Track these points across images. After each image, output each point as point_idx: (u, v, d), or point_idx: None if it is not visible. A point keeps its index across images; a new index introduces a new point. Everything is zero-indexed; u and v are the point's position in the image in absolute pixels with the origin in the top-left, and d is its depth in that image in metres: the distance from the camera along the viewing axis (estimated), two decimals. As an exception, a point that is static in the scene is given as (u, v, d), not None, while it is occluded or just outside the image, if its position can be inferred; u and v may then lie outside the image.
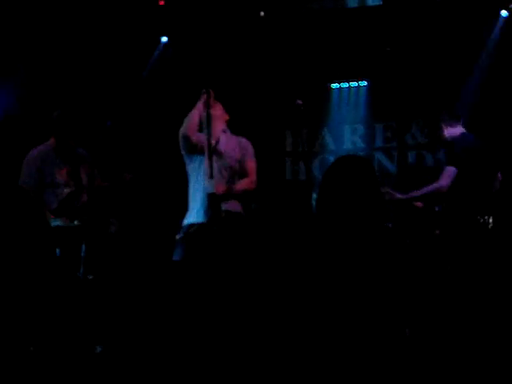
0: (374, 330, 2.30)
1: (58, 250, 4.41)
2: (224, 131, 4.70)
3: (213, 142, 4.59)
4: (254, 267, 3.76)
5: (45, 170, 4.81)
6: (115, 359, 4.01)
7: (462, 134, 4.91)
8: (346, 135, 7.69)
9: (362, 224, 2.46)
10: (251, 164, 4.67)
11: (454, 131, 4.92)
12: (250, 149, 4.71)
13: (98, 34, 6.73)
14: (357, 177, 2.51)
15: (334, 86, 7.69)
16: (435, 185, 4.70)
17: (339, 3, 6.91)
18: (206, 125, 4.55)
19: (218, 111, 4.68)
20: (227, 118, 4.77)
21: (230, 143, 4.66)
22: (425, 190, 4.80)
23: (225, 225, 4.43)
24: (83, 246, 4.59)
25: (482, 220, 4.80)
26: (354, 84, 7.62)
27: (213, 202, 4.39)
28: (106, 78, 6.97)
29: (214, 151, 4.56)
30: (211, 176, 4.44)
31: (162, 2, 6.82)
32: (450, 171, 4.66)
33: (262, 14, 6.92)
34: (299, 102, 4.51)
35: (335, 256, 2.37)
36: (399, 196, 4.80)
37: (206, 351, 3.45)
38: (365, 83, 7.57)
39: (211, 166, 4.44)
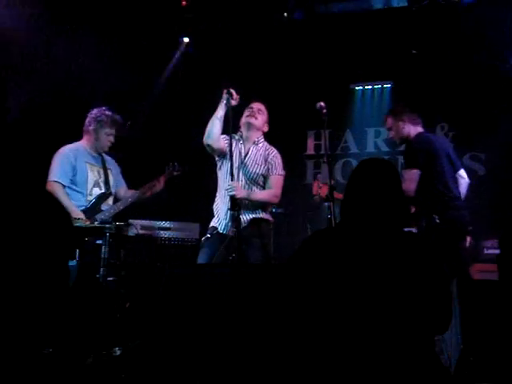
0: (399, 334, 2.25)
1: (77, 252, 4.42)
2: (256, 143, 4.68)
3: (243, 153, 4.63)
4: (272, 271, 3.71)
5: (77, 168, 4.83)
6: (133, 362, 3.99)
7: (420, 133, 4.77)
8: (370, 138, 7.61)
9: (387, 227, 2.42)
10: (276, 178, 4.66)
11: (413, 130, 4.78)
12: (278, 163, 4.69)
13: (119, 33, 6.74)
14: (381, 180, 2.48)
15: (358, 87, 7.63)
16: None
17: (365, 4, 6.84)
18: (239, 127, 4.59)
19: (258, 121, 4.69)
20: (266, 129, 4.77)
21: (257, 157, 4.65)
22: None
23: (245, 230, 4.43)
24: (103, 248, 4.59)
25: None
26: (377, 86, 7.55)
27: (233, 204, 4.38)
28: (127, 78, 6.97)
29: (241, 163, 4.61)
30: (232, 178, 4.43)
31: (184, 3, 6.82)
32: (412, 174, 4.51)
33: (286, 14, 6.89)
34: (321, 104, 4.47)
35: (359, 260, 2.32)
36: None
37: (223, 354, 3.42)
38: (389, 85, 7.50)
39: (232, 167, 4.43)
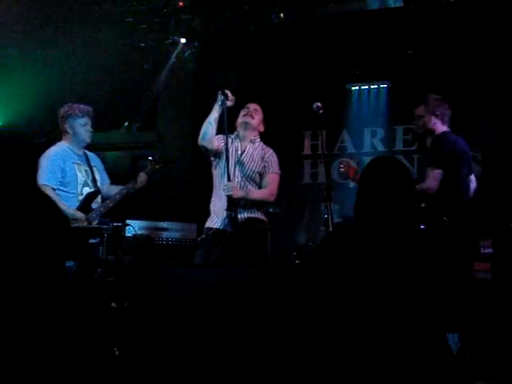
0: (421, 331, 2.26)
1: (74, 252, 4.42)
2: (252, 141, 4.71)
3: (239, 150, 4.67)
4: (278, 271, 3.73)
5: (66, 169, 4.82)
6: (132, 362, 4.00)
7: (446, 132, 4.72)
8: (366, 138, 7.62)
9: (405, 225, 2.43)
10: (272, 177, 4.69)
11: (440, 128, 4.72)
12: (274, 162, 4.73)
13: (117, 34, 6.75)
14: (395, 178, 2.48)
15: (354, 88, 7.64)
16: (422, 185, 4.46)
17: (360, 5, 6.84)
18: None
19: (254, 121, 4.72)
20: (262, 129, 4.79)
21: (254, 155, 4.69)
22: None
23: (241, 229, 4.45)
24: (101, 248, 4.60)
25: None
26: (374, 86, 7.56)
27: (230, 204, 4.39)
28: (125, 80, 6.99)
29: (238, 160, 4.63)
30: (229, 179, 4.44)
31: (181, 4, 6.83)
32: (436, 173, 4.47)
33: (282, 15, 6.90)
34: (318, 104, 4.48)
35: (374, 258, 2.32)
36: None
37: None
38: (385, 85, 7.51)
39: (228, 168, 4.44)
